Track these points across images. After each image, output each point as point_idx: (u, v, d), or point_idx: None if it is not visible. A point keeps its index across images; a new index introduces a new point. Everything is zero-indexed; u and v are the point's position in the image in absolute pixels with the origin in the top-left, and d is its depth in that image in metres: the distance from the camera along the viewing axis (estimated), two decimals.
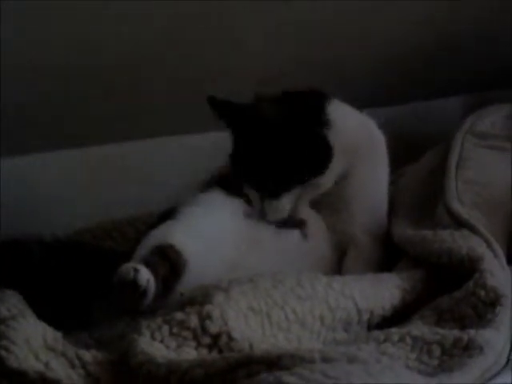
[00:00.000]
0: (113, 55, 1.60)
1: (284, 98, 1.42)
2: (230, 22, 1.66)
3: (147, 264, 1.21)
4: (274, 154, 1.38)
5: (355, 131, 1.44)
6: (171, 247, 1.27)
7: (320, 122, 1.41)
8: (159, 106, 1.73)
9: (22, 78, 1.54)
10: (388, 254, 1.44)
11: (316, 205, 1.45)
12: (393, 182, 1.54)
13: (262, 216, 1.41)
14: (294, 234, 1.42)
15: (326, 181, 1.42)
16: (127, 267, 1.19)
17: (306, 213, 1.45)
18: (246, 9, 1.65)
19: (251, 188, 1.41)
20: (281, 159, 1.38)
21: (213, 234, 1.34)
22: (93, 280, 1.36)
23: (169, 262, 1.25)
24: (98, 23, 1.53)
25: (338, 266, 1.43)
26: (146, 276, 1.19)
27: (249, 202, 1.42)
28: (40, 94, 1.58)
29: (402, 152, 1.49)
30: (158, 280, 1.20)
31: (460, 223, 1.38)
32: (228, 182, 1.43)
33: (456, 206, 1.42)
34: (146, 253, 1.26)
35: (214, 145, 1.47)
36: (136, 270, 1.18)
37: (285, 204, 1.41)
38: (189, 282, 1.26)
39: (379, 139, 1.48)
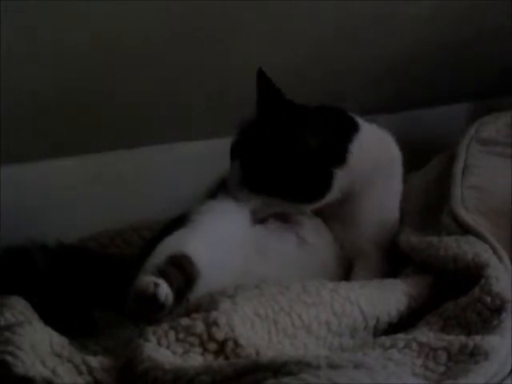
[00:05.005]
0: (114, 61, 1.60)
1: (317, 118, 1.41)
2: (233, 30, 1.67)
3: (162, 274, 1.21)
4: (278, 158, 1.38)
5: (372, 160, 1.44)
6: (186, 258, 1.27)
7: (338, 159, 1.41)
8: (161, 113, 1.73)
9: (22, 87, 1.53)
10: (393, 261, 1.44)
11: (326, 216, 1.46)
12: None
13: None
14: (292, 239, 1.42)
15: (308, 209, 1.43)
16: (147, 281, 1.19)
17: (312, 221, 1.45)
18: (247, 15, 1.65)
19: (240, 167, 1.41)
20: (280, 168, 1.38)
21: (225, 243, 1.34)
22: (97, 286, 1.36)
23: (183, 273, 1.25)
24: (98, 28, 1.53)
25: (343, 278, 1.41)
26: (165, 291, 1.19)
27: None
28: (40, 102, 1.58)
29: (406, 159, 1.50)
30: (172, 291, 1.20)
31: (465, 229, 1.38)
32: None
33: (461, 212, 1.42)
34: (161, 262, 1.25)
35: (217, 152, 1.47)
36: (156, 285, 1.18)
37: (254, 200, 1.40)
38: (199, 290, 1.26)
39: (396, 158, 1.49)
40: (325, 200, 1.42)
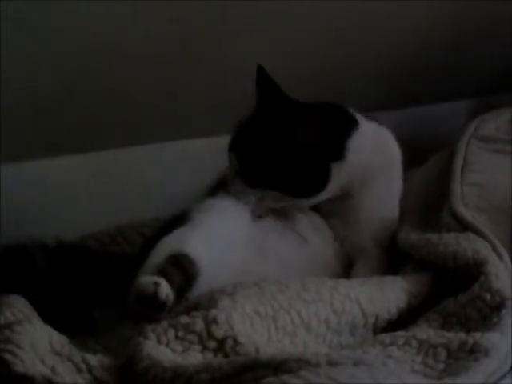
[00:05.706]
0: (113, 59, 1.60)
1: (316, 113, 1.42)
2: (233, 30, 1.67)
3: (162, 273, 1.21)
4: (274, 152, 1.39)
5: (371, 158, 1.44)
6: (186, 256, 1.27)
7: (335, 155, 1.41)
8: (161, 113, 1.73)
9: (21, 84, 1.54)
10: (393, 259, 1.44)
11: (326, 214, 1.46)
12: None
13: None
14: (293, 238, 1.42)
15: (306, 203, 1.43)
16: (148, 280, 1.19)
17: (311, 219, 1.45)
18: (247, 15, 1.65)
19: (236, 160, 1.42)
20: (276, 162, 1.39)
21: (224, 241, 1.34)
22: (98, 285, 1.36)
23: (183, 273, 1.25)
24: (97, 27, 1.54)
25: (342, 277, 1.41)
26: (166, 290, 1.19)
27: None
28: (40, 102, 1.58)
29: (406, 156, 1.50)
30: (173, 290, 1.20)
31: (465, 226, 1.38)
32: None
33: (461, 209, 1.42)
34: (161, 261, 1.25)
35: (217, 150, 1.48)
36: (157, 285, 1.18)
37: (251, 194, 1.40)
38: (199, 289, 1.26)
39: (396, 155, 1.49)
40: (322, 195, 1.42)
